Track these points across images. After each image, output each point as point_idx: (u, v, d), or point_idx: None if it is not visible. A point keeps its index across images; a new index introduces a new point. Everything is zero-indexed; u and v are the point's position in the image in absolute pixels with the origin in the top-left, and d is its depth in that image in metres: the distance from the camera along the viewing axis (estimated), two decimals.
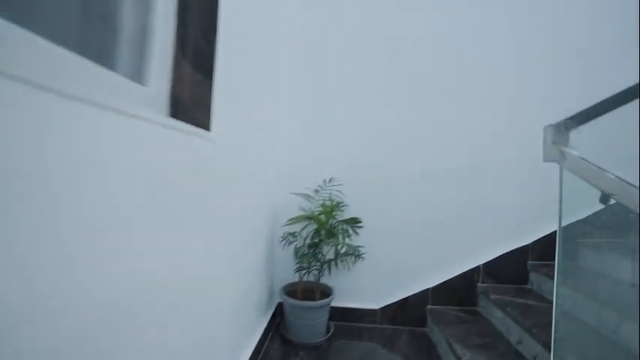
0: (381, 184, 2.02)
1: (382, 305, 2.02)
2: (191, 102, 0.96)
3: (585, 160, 0.81)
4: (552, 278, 1.90)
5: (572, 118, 0.93)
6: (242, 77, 1.26)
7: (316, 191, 1.92)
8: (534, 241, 1.99)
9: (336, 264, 1.85)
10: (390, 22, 2.01)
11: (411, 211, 2.01)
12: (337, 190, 1.92)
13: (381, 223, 2.02)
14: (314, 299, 1.81)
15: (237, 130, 1.22)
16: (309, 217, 1.85)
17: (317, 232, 1.85)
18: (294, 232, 1.84)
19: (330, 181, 1.93)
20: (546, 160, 0.97)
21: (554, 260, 2.08)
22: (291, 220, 1.79)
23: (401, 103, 2.01)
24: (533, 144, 2.00)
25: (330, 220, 1.83)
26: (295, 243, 1.83)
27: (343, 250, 1.77)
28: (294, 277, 1.93)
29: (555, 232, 2.04)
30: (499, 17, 2.00)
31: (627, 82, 0.90)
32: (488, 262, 1.99)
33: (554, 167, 2.02)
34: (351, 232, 1.92)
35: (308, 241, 1.86)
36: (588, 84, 1.94)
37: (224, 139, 1.06)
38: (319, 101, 2.03)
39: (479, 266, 1.99)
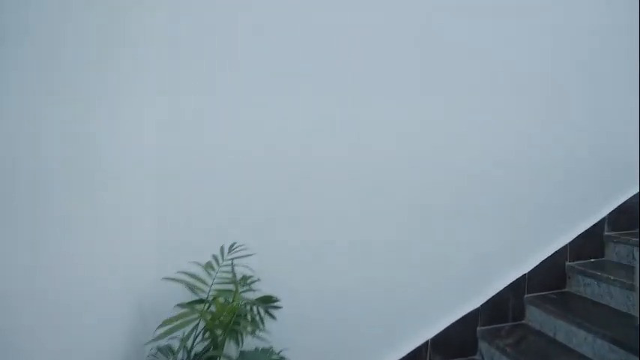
0: (307, 245, 1.45)
1: None
2: None
3: None
4: (507, 354, 1.62)
5: None
6: None
7: (209, 267, 1.23)
8: (484, 303, 1.68)
9: None
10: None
11: (347, 280, 1.49)
12: (244, 265, 1.27)
13: (307, 299, 1.45)
14: None
15: None
16: (200, 305, 1.17)
17: (209, 331, 1.17)
18: (171, 344, 1.12)
19: (231, 249, 1.27)
20: None
21: (504, 322, 1.83)
22: (163, 326, 1.06)
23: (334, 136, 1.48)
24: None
25: (226, 316, 1.17)
26: None
27: None
28: None
29: (505, 290, 1.80)
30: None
31: None
32: (437, 334, 1.60)
33: (498, 207, 1.79)
34: (264, 318, 1.29)
35: (197, 347, 1.17)
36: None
37: None
38: (202, 118, 1.36)
39: (427, 341, 1.58)
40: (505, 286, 1.70)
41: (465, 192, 1.65)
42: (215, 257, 1.25)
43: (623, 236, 1.89)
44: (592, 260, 1.89)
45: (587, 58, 1.90)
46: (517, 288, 1.73)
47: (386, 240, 1.54)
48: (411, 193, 1.57)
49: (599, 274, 1.68)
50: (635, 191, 2.01)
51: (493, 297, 1.68)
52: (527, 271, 1.75)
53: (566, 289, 1.83)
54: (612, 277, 1.63)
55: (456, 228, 1.64)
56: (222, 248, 1.27)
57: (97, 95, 0.94)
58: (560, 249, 1.83)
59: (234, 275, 1.25)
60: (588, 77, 1.90)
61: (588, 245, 1.89)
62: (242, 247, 1.28)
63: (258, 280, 1.31)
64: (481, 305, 1.66)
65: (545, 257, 1.79)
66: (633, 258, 1.81)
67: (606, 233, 1.94)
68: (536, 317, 1.69)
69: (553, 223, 1.83)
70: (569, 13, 1.85)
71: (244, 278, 1.28)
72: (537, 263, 1.77)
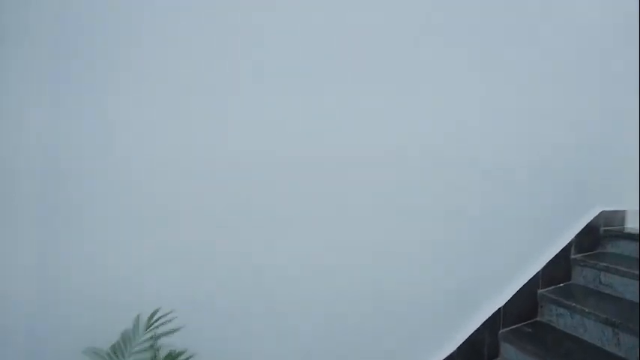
0: (258, 302, 1.14)
1: None
2: None
3: None
4: None
5: None
6: None
7: (116, 351, 0.87)
8: (460, 346, 1.50)
9: None
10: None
11: (312, 319, 1.22)
12: (170, 345, 0.93)
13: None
14: None
15: None
16: None
17: None
18: None
19: (152, 320, 0.92)
20: None
21: None
22: None
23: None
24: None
25: None
26: None
27: None
28: None
29: (480, 329, 1.63)
30: None
31: None
32: None
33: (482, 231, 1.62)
34: None
35: None
36: None
37: None
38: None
39: None
40: (480, 324, 1.55)
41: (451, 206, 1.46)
42: (126, 335, 0.90)
43: (589, 259, 1.84)
44: (561, 285, 1.82)
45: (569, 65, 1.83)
46: (492, 324, 1.58)
47: (360, 281, 1.28)
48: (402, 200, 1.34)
49: (574, 305, 1.59)
50: (599, 211, 1.98)
51: (469, 338, 1.51)
52: (502, 305, 1.61)
53: (537, 319, 1.73)
54: (587, 310, 1.53)
55: (433, 266, 1.44)
56: (136, 319, 0.92)
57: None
58: (533, 277, 1.72)
59: (157, 351, 0.90)
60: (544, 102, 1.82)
61: (557, 270, 1.81)
62: (169, 316, 0.94)
63: (192, 356, 0.98)
64: (457, 348, 1.49)
65: (520, 287, 1.67)
66: (600, 282, 1.76)
67: (572, 256, 1.88)
68: (511, 356, 1.56)
69: (526, 249, 1.72)
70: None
71: (170, 357, 0.94)
72: (511, 295, 1.64)
